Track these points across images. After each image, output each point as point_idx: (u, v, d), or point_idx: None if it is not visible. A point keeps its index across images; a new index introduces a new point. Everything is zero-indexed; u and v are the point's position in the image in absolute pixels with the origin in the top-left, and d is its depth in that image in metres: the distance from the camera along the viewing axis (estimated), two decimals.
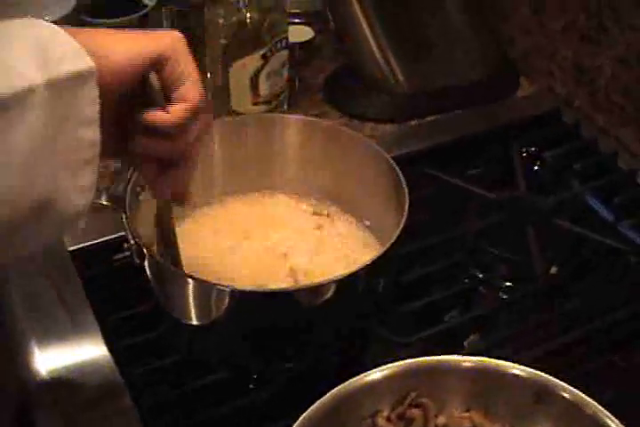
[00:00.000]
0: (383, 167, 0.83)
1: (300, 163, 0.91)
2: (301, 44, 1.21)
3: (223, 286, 0.71)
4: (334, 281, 0.72)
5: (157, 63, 0.59)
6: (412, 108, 1.14)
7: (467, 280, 0.94)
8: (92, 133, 0.55)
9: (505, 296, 0.93)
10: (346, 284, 0.73)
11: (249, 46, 1.01)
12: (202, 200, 0.90)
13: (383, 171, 0.84)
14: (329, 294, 0.73)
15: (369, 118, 1.14)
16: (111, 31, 0.59)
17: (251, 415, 0.79)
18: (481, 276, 0.94)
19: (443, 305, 0.91)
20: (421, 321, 0.88)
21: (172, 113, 0.60)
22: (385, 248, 0.74)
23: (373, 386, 0.68)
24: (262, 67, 1.02)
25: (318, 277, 0.83)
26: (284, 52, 1.04)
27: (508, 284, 0.93)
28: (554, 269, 0.94)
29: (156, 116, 0.60)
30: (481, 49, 1.17)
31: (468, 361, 0.70)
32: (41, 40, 0.52)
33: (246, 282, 0.82)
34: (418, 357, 0.80)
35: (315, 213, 0.91)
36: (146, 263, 0.76)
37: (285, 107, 1.12)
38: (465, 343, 0.87)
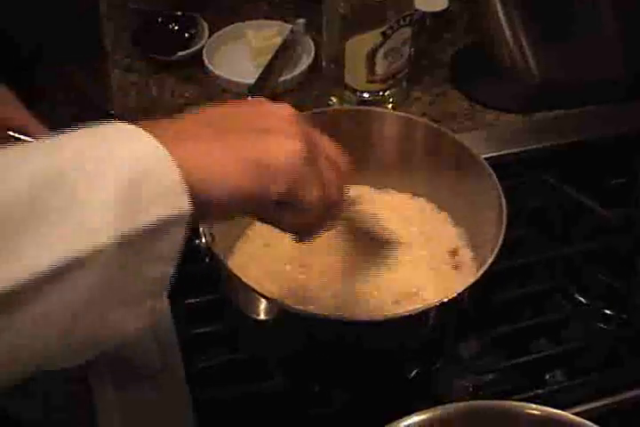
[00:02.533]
0: (483, 177, 0.76)
1: (394, 161, 0.85)
2: (434, 13, 1.13)
3: (299, 310, 0.67)
4: (429, 308, 0.67)
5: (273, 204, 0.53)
6: (541, 101, 1.05)
7: (565, 303, 0.87)
8: (166, 270, 0.48)
9: (602, 325, 0.86)
10: (439, 309, 0.67)
11: (369, 22, 0.94)
12: None
13: (483, 180, 0.76)
14: (418, 321, 0.69)
15: (493, 106, 1.05)
16: (227, 152, 0.50)
17: None
18: (583, 301, 0.87)
19: (532, 332, 0.84)
20: (506, 347, 0.83)
21: (293, 218, 0.56)
22: (480, 272, 0.68)
23: (433, 424, 0.64)
24: (380, 45, 0.95)
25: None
26: (407, 30, 0.97)
27: (607, 312, 0.86)
28: None
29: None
30: (627, 46, 1.06)
31: (535, 409, 0.64)
32: (135, 173, 0.44)
33: (322, 287, 0.78)
34: (490, 387, 0.78)
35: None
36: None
37: (404, 84, 1.05)
38: (547, 377, 0.81)
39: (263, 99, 0.58)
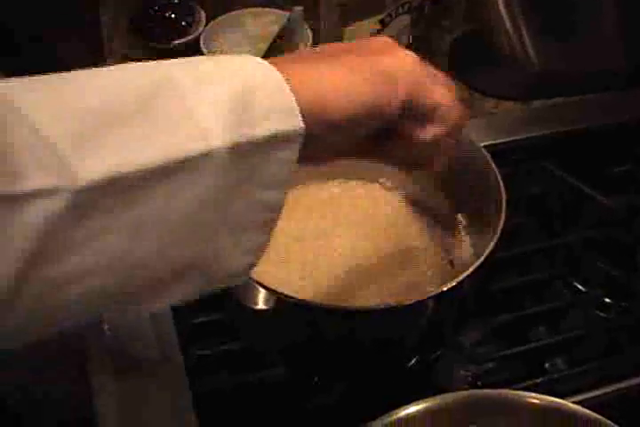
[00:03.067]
0: (482, 166, 0.75)
1: None
2: (432, 1, 1.12)
3: (298, 299, 0.65)
4: (429, 298, 0.66)
5: (396, 118, 0.51)
6: (540, 89, 1.04)
7: (565, 292, 0.87)
8: (276, 196, 0.47)
9: (602, 314, 0.85)
10: (438, 298, 0.67)
11: (367, 9, 0.93)
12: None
13: (482, 169, 0.75)
14: (419, 310, 0.68)
15: (491, 94, 1.05)
16: (338, 68, 0.49)
17: (300, 419, 0.76)
18: (582, 289, 0.87)
19: (531, 320, 0.84)
20: (505, 335, 0.83)
21: (426, 132, 0.55)
22: (480, 260, 0.67)
23: (433, 413, 0.64)
24: (379, 32, 0.95)
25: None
26: (405, 17, 0.96)
27: (607, 300, 0.86)
28: None
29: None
30: (628, 36, 1.05)
31: (535, 398, 0.64)
32: (248, 87, 0.44)
33: (325, 279, 0.78)
34: (490, 376, 0.78)
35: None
36: None
37: None
38: (546, 365, 0.81)
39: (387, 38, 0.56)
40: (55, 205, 0.38)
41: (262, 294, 0.67)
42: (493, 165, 0.74)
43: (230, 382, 0.78)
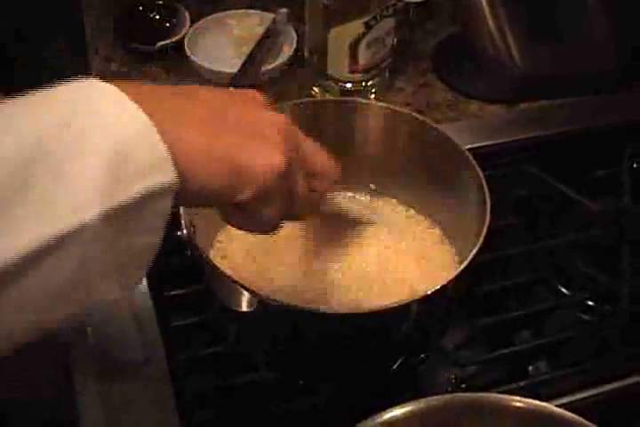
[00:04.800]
0: (466, 168, 0.76)
1: (376, 152, 0.84)
2: (417, 3, 1.12)
3: (281, 302, 0.66)
4: (413, 300, 0.66)
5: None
6: (524, 91, 1.05)
7: (548, 295, 0.87)
8: (153, 240, 0.47)
9: (585, 317, 0.86)
10: (423, 301, 0.66)
11: (352, 11, 0.93)
12: None
13: (465, 171, 0.76)
14: (402, 314, 0.68)
15: (475, 96, 1.05)
16: (205, 136, 0.48)
17: (284, 422, 0.76)
18: (566, 292, 0.87)
19: (515, 323, 0.84)
20: (489, 338, 0.83)
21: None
22: (465, 264, 0.67)
23: (416, 416, 0.64)
24: (363, 35, 0.94)
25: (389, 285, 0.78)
26: (390, 20, 0.96)
27: (590, 303, 0.86)
28: None
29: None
30: (615, 37, 1.05)
31: (518, 401, 0.64)
32: (121, 145, 0.43)
33: (301, 280, 0.78)
34: (474, 379, 0.78)
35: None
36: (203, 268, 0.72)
37: (387, 75, 1.05)
38: (530, 369, 0.81)
39: (258, 95, 0.57)
40: None
41: (246, 296, 0.66)
42: (478, 168, 0.74)
43: (214, 384, 0.78)
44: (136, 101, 0.44)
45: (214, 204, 0.54)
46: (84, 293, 0.45)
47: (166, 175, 0.44)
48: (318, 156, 0.59)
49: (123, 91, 0.45)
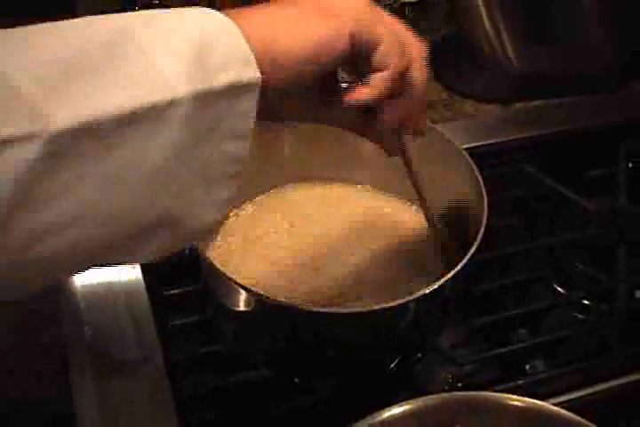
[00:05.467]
0: (463, 168, 0.76)
1: (373, 152, 0.83)
2: (412, 2, 1.12)
3: (279, 301, 0.66)
4: (411, 300, 0.65)
5: (346, 54, 0.51)
6: (520, 91, 1.05)
7: (545, 294, 0.87)
8: (241, 148, 0.48)
9: (581, 316, 0.86)
10: (420, 300, 0.66)
11: None
12: (266, 187, 0.86)
13: (462, 171, 0.76)
14: (399, 313, 0.68)
15: (471, 96, 1.05)
16: (285, 8, 0.51)
17: (281, 421, 0.76)
18: (563, 291, 0.87)
19: (512, 322, 0.84)
20: (486, 337, 0.83)
21: (372, 85, 0.53)
22: (462, 263, 0.67)
23: (414, 415, 0.64)
24: None
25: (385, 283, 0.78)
26: None
27: (587, 302, 0.86)
28: (639, 294, 0.86)
29: (355, 95, 0.54)
30: (606, 34, 1.05)
31: (515, 400, 0.64)
32: (204, 39, 0.45)
33: (298, 280, 0.78)
34: (471, 378, 0.78)
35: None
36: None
37: None
38: (527, 367, 0.81)
39: None
40: (30, 151, 0.39)
41: (243, 295, 0.66)
42: (475, 168, 0.74)
43: (211, 383, 0.78)
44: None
45: (330, 59, 0.51)
46: (177, 186, 0.46)
47: (249, 71, 0.46)
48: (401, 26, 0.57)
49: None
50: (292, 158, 0.84)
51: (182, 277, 0.82)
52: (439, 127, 0.79)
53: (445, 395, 0.64)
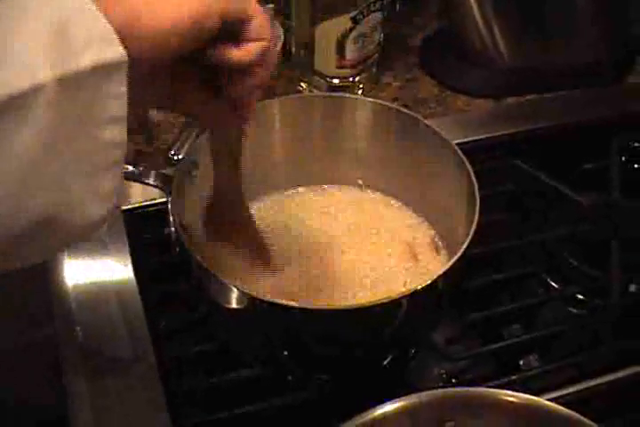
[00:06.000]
0: (455, 163, 0.75)
1: (365, 148, 0.84)
2: None
3: (270, 300, 0.65)
4: (404, 296, 0.65)
5: (215, 30, 0.49)
6: (512, 86, 1.05)
7: (539, 289, 0.87)
8: (118, 133, 0.46)
9: (575, 311, 0.86)
10: (414, 296, 0.65)
11: (339, 7, 0.93)
12: (260, 189, 0.85)
13: (454, 166, 0.75)
14: (392, 309, 0.67)
15: (463, 91, 1.05)
16: None
17: (274, 419, 0.76)
18: (556, 286, 0.87)
19: (505, 317, 0.84)
20: (479, 333, 0.83)
21: (248, 49, 0.52)
22: (455, 259, 0.66)
23: (408, 411, 0.64)
24: (350, 30, 0.94)
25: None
26: (377, 15, 0.96)
27: (580, 297, 0.86)
28: (632, 288, 0.86)
29: (226, 52, 0.52)
30: (597, 28, 1.05)
31: (509, 395, 0.64)
32: (61, 18, 0.42)
33: (290, 279, 0.78)
34: (465, 373, 0.78)
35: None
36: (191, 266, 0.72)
37: (375, 70, 1.05)
38: (521, 363, 0.81)
39: None
40: None
41: (235, 294, 0.66)
42: (467, 163, 0.73)
43: (203, 382, 0.77)
44: None
45: (197, 39, 0.49)
46: (56, 178, 0.44)
47: (113, 49, 0.43)
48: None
49: None
50: (284, 161, 0.84)
51: (174, 276, 0.82)
52: (431, 122, 0.78)
53: (439, 391, 0.64)
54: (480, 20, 1.01)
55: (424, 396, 0.63)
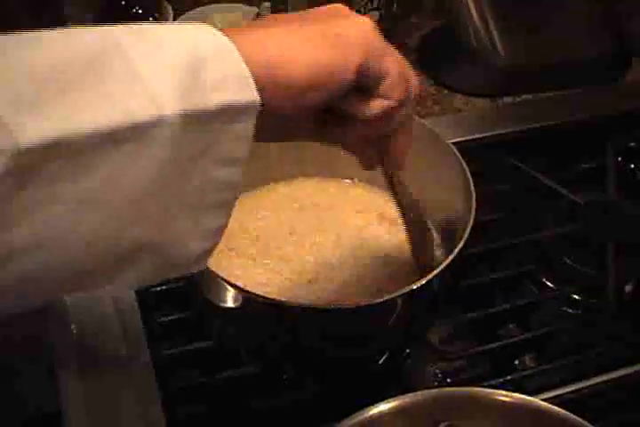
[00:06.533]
0: (451, 162, 0.75)
1: None
2: None
3: (267, 298, 0.65)
4: (399, 295, 0.65)
5: (351, 84, 0.49)
6: (509, 85, 1.05)
7: (534, 289, 0.87)
8: (234, 174, 0.45)
9: (570, 310, 0.86)
10: (409, 296, 0.65)
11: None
12: (255, 183, 0.85)
13: (451, 166, 0.75)
14: (387, 308, 0.67)
15: (460, 90, 1.05)
16: (291, 31, 0.47)
17: (269, 418, 0.75)
18: (551, 286, 0.87)
19: (501, 317, 0.84)
20: (475, 332, 0.83)
21: (372, 107, 0.52)
22: (450, 258, 0.66)
23: (403, 411, 0.64)
24: None
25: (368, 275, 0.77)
26: (375, 13, 0.96)
27: (576, 297, 0.86)
28: (628, 288, 0.86)
29: (354, 107, 0.52)
30: (594, 26, 1.05)
31: (504, 395, 0.64)
32: (199, 56, 0.42)
33: (287, 275, 0.77)
34: (460, 373, 0.78)
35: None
36: None
37: None
38: (516, 363, 0.81)
39: (342, 7, 0.53)
40: None
41: (230, 292, 0.66)
42: (463, 163, 0.73)
43: (199, 380, 0.78)
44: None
45: (334, 89, 0.49)
46: (162, 211, 0.43)
47: (247, 93, 0.43)
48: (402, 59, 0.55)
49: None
50: (280, 155, 0.84)
51: None
52: (427, 121, 0.78)
53: (434, 391, 0.64)
54: (477, 19, 1.01)
55: (419, 395, 0.63)
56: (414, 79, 0.55)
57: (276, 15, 0.52)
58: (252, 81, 0.43)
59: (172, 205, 0.44)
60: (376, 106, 0.52)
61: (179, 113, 0.40)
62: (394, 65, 0.51)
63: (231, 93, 0.42)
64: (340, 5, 0.52)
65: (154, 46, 0.41)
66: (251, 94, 0.43)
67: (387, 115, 0.53)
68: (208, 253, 0.48)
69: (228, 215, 0.47)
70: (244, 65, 0.43)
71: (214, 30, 0.44)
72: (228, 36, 0.44)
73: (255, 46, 0.45)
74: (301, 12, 0.52)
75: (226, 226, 0.48)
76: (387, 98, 0.52)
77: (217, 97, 0.42)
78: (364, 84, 0.51)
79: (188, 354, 0.79)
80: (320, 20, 0.49)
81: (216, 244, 0.48)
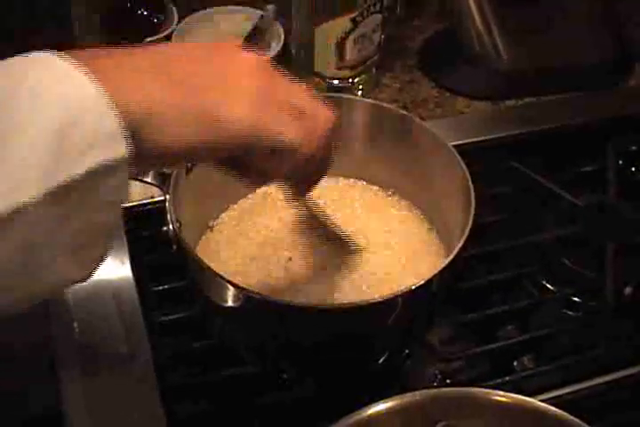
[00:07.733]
0: (451, 164, 0.75)
1: (363, 149, 0.84)
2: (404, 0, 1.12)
3: (267, 297, 0.65)
4: (398, 295, 0.65)
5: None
6: (511, 88, 1.05)
7: (533, 290, 0.87)
8: (113, 216, 0.45)
9: (569, 312, 0.86)
10: (408, 296, 0.66)
11: (339, 8, 0.93)
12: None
13: (451, 167, 0.75)
14: (386, 309, 0.68)
15: (462, 93, 1.05)
16: (173, 90, 0.46)
17: (268, 416, 0.76)
18: (551, 288, 0.87)
19: (500, 319, 0.85)
20: (474, 333, 0.83)
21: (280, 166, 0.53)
22: (449, 259, 0.67)
23: (401, 411, 0.64)
24: (350, 31, 0.95)
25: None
26: (377, 16, 0.96)
27: (575, 299, 0.86)
28: (628, 290, 0.86)
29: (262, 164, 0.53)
30: (596, 30, 1.06)
31: (503, 396, 0.64)
32: (68, 119, 0.40)
33: (287, 276, 0.78)
34: (459, 374, 0.78)
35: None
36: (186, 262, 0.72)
37: (374, 71, 1.05)
38: (515, 364, 0.82)
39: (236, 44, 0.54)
40: None
41: (231, 291, 0.66)
42: (463, 165, 0.74)
43: (199, 379, 0.78)
44: (93, 71, 0.42)
45: (222, 155, 0.50)
46: (34, 275, 0.43)
47: (118, 149, 0.42)
48: (299, 93, 0.55)
49: (81, 62, 0.42)
50: None
51: (170, 273, 0.82)
52: (430, 124, 0.79)
53: (432, 391, 0.64)
54: (480, 22, 1.02)
55: (417, 395, 0.63)
56: (320, 112, 0.55)
57: (164, 54, 0.51)
58: (122, 137, 0.42)
59: (48, 262, 0.43)
60: (283, 166, 0.52)
61: (43, 195, 0.40)
62: (294, 123, 0.51)
63: (102, 152, 0.41)
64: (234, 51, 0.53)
65: (20, 116, 0.40)
66: (121, 150, 0.42)
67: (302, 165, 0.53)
68: (90, 273, 0.48)
69: (108, 246, 0.47)
70: (114, 119, 0.42)
71: (86, 81, 0.41)
72: (102, 78, 0.42)
73: (134, 93, 0.44)
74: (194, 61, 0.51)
75: (108, 254, 0.48)
76: (294, 150, 0.51)
77: (88, 160, 0.41)
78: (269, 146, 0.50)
79: (188, 353, 0.80)
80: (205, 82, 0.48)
81: (94, 271, 0.48)
